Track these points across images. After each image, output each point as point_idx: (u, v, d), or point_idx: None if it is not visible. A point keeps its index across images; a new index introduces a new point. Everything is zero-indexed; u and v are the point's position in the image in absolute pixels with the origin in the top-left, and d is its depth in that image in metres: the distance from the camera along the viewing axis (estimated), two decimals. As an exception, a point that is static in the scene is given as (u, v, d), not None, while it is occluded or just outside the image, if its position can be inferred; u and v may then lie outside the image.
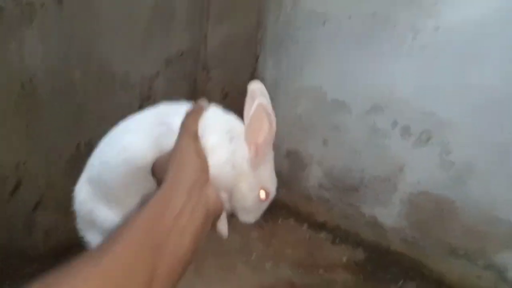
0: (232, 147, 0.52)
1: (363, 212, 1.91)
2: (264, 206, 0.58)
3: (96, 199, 0.57)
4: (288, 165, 2.16)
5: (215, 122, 0.54)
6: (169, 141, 0.51)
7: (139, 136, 0.54)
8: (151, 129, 0.54)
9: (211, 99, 0.57)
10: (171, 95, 0.83)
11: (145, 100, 1.67)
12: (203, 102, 0.56)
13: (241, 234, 1.93)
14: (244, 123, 0.55)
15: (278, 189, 0.57)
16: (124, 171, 0.54)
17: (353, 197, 1.93)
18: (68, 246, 1.19)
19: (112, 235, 0.40)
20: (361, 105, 1.82)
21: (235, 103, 0.62)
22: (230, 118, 0.57)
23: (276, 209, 2.18)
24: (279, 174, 0.56)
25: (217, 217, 0.51)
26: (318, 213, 2.09)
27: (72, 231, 0.60)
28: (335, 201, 2.01)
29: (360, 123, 1.84)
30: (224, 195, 0.53)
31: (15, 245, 1.45)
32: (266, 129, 0.51)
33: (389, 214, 1.82)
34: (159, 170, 0.51)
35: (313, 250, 1.88)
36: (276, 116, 0.50)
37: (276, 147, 0.53)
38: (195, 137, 0.49)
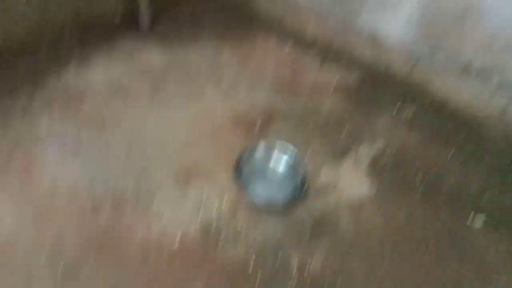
0: None
1: (363, 22, 1.54)
2: None
3: None
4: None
5: None
6: None
7: None
8: None
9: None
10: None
11: None
12: None
13: (209, 56, 1.58)
14: None
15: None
16: None
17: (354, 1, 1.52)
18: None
19: None
20: None
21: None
22: None
23: (253, 25, 1.79)
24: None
25: None
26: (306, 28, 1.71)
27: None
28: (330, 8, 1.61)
29: None
30: None
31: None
32: None
33: (395, 23, 1.44)
34: None
35: (297, 72, 1.57)
36: None
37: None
38: None
